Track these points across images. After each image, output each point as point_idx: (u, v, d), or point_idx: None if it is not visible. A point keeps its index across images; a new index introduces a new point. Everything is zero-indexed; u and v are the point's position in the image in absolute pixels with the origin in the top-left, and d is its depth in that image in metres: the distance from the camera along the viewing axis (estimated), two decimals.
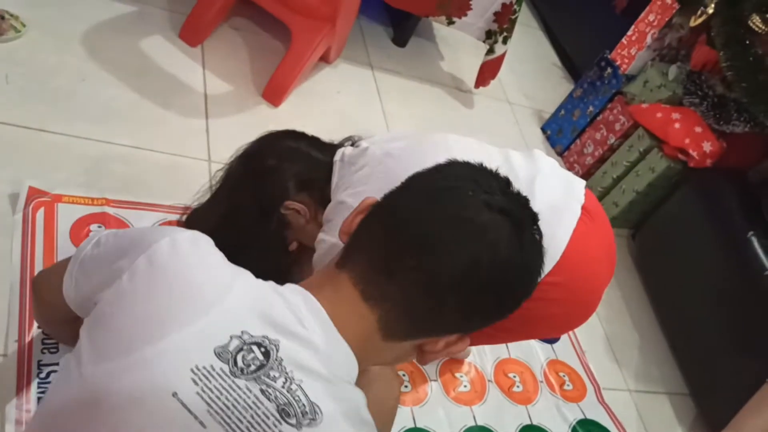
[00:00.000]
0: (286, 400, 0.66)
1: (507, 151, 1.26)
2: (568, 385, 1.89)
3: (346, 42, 2.39)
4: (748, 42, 2.12)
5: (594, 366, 2.00)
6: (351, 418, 0.71)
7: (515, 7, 2.40)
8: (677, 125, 2.27)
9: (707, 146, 2.24)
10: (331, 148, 1.31)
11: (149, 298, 0.71)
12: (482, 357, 1.81)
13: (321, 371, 0.70)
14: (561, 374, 1.91)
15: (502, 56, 2.54)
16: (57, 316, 0.86)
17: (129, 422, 0.65)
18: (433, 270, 0.72)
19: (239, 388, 0.66)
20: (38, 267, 1.40)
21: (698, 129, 2.26)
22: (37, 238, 1.45)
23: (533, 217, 0.79)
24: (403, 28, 2.65)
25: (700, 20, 2.28)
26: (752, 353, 1.92)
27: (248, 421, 0.65)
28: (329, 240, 1.18)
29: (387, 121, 2.31)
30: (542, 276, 0.86)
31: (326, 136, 1.40)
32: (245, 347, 0.68)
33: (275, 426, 0.65)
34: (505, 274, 0.75)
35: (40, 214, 1.49)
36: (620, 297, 2.32)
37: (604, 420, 1.86)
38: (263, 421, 0.65)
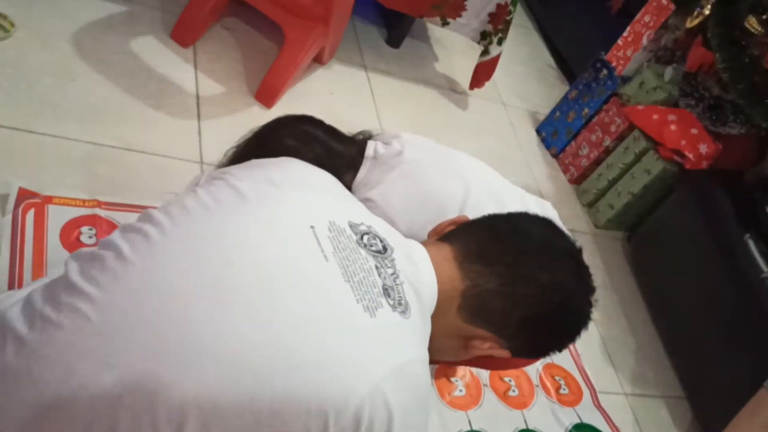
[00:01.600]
0: (391, 285, 0.76)
1: (524, 196, 1.40)
2: (563, 389, 1.87)
3: (340, 43, 2.37)
4: (743, 43, 2.12)
5: (590, 370, 1.98)
6: (423, 338, 0.79)
7: (510, 8, 2.39)
8: (673, 127, 2.26)
9: (703, 148, 2.23)
10: (347, 140, 1.31)
11: (305, 169, 0.87)
12: None
13: (418, 288, 0.80)
14: (557, 378, 1.89)
15: (497, 57, 2.52)
16: None
17: (263, 235, 0.73)
18: (518, 274, 0.86)
19: (360, 254, 0.76)
20: (27, 270, 1.37)
21: (694, 131, 2.25)
22: (26, 241, 1.42)
23: (593, 289, 0.96)
24: (397, 29, 2.64)
25: (695, 21, 2.27)
26: (748, 357, 1.91)
27: (360, 279, 0.73)
28: None
29: (381, 123, 2.29)
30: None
31: None
32: (371, 234, 0.80)
33: (378, 296, 0.73)
34: (567, 310, 0.91)
35: (30, 215, 1.47)
36: (616, 300, 2.31)
37: (600, 424, 1.85)
38: (371, 287, 0.73)
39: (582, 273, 0.92)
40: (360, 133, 1.34)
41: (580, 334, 0.97)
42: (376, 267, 0.75)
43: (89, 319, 0.66)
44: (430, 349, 0.91)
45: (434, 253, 0.87)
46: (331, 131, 1.31)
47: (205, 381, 0.63)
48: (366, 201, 1.22)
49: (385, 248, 0.79)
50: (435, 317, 0.84)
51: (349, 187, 1.25)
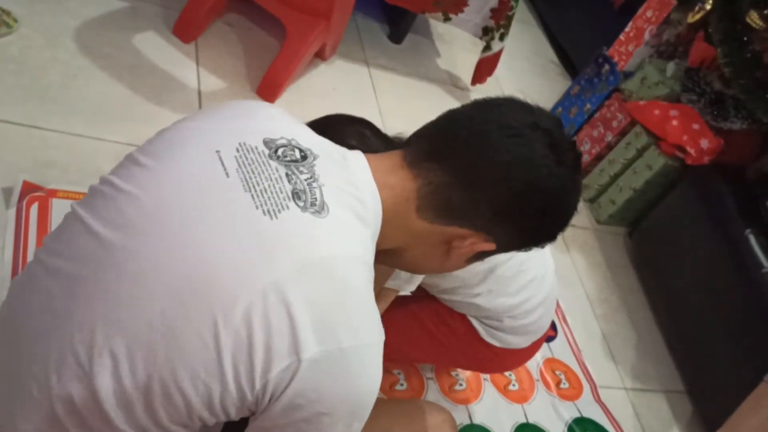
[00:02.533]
0: (303, 188, 0.75)
1: None
2: (564, 384, 1.88)
3: (342, 38, 2.37)
4: (745, 38, 2.11)
5: (590, 364, 1.99)
6: (353, 235, 0.77)
7: (512, 3, 2.39)
8: (675, 122, 2.26)
9: (705, 143, 2.23)
10: (393, 146, 1.31)
11: (219, 108, 0.86)
12: None
13: (346, 188, 0.78)
14: (557, 372, 1.90)
15: (499, 53, 2.52)
16: None
17: (174, 153, 0.78)
18: (475, 159, 0.80)
19: (269, 165, 0.77)
20: None
21: (696, 126, 2.25)
22: (30, 233, 1.44)
23: (578, 157, 0.85)
24: (399, 24, 2.64)
25: (697, 16, 2.27)
26: (749, 351, 1.91)
27: (263, 186, 0.74)
28: None
29: (383, 119, 2.30)
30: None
31: None
32: (289, 146, 0.80)
33: (284, 201, 0.74)
34: (542, 186, 0.81)
35: (34, 209, 1.48)
36: (617, 295, 2.31)
37: (601, 418, 1.85)
38: (276, 193, 0.74)
39: (555, 142, 0.81)
40: (396, 137, 1.35)
41: (571, 212, 0.86)
42: (287, 174, 0.76)
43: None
44: (413, 264, 0.91)
45: (380, 160, 0.84)
46: (384, 137, 1.33)
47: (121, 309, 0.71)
48: None
49: (304, 156, 0.79)
50: (392, 224, 0.82)
51: None
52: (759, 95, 2.12)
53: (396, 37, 2.66)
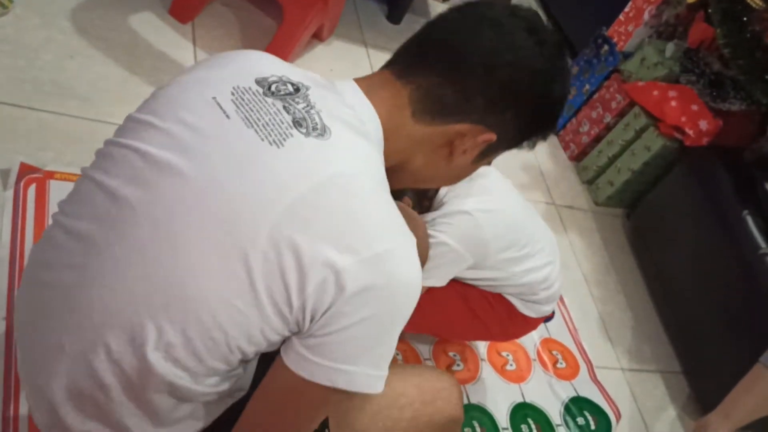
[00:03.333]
0: (302, 116, 0.78)
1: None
2: (561, 363, 1.89)
3: (340, 19, 2.36)
4: (745, 19, 2.10)
5: (587, 344, 2.00)
6: (358, 152, 0.79)
7: None
8: (673, 103, 2.26)
9: (703, 124, 2.22)
10: None
11: (207, 60, 0.88)
12: None
13: (343, 109, 0.81)
14: (554, 352, 1.91)
15: None
16: None
17: (172, 106, 0.80)
18: (457, 52, 0.83)
19: (266, 101, 0.79)
20: (28, 245, 1.39)
21: (695, 107, 2.25)
22: (27, 215, 1.44)
23: (559, 39, 0.87)
24: (397, 4, 2.62)
25: None
26: (745, 333, 1.92)
27: (265, 121, 0.77)
28: (451, 244, 1.32)
29: None
30: None
31: None
32: (280, 82, 0.82)
33: (287, 130, 0.76)
34: (528, 67, 0.83)
35: (32, 190, 1.48)
36: (614, 277, 2.32)
37: (597, 398, 1.87)
38: (278, 124, 0.77)
39: (534, 27, 0.84)
40: None
41: (560, 93, 0.88)
42: (284, 107, 0.78)
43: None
44: (420, 175, 0.93)
45: (369, 79, 0.87)
46: None
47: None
48: (464, 214, 1.32)
49: (297, 89, 0.81)
50: (392, 136, 0.84)
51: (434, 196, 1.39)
52: (758, 76, 2.11)
53: (394, 17, 2.64)
